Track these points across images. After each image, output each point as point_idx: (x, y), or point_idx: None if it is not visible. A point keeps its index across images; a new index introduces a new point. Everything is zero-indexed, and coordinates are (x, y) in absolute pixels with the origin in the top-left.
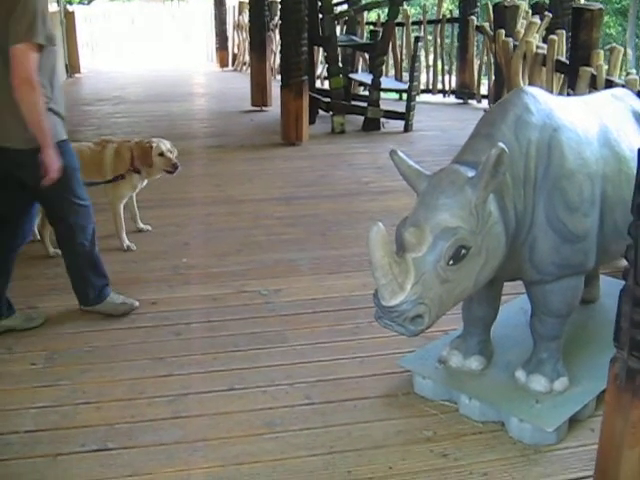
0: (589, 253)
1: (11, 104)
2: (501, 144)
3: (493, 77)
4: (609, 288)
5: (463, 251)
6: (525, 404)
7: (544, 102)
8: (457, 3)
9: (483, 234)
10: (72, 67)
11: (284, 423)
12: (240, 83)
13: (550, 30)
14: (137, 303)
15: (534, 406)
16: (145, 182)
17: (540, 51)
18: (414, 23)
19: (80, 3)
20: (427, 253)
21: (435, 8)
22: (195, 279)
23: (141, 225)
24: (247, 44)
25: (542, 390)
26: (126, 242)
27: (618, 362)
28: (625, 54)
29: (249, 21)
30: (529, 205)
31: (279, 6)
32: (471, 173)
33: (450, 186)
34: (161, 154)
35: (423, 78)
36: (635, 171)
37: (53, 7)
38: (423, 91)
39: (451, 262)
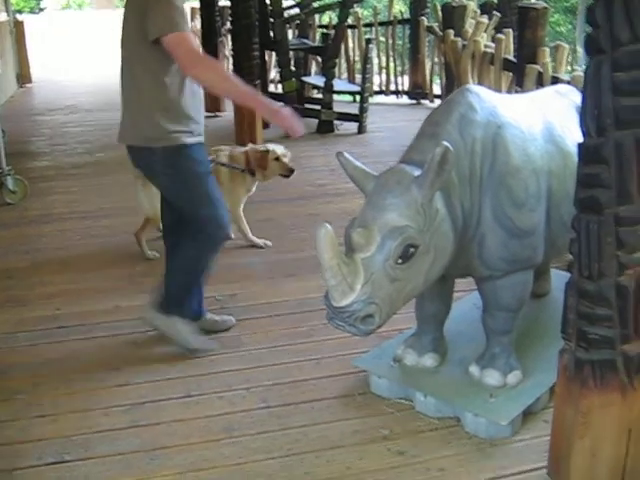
0: (537, 248)
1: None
2: (445, 142)
3: (445, 77)
4: (560, 281)
5: (411, 250)
6: (479, 399)
7: (488, 100)
8: (408, 4)
9: (431, 232)
10: (23, 77)
11: (242, 428)
12: None
13: (499, 29)
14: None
15: (488, 400)
16: (255, 186)
17: (488, 50)
18: (366, 25)
19: (31, 12)
20: (376, 253)
21: (386, 10)
22: (150, 287)
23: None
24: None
25: (496, 384)
26: (259, 241)
27: (566, 353)
28: (575, 51)
29: (201, 27)
30: (476, 202)
31: (230, 11)
32: (417, 172)
33: (396, 186)
34: (277, 159)
35: (376, 79)
36: None
37: (2, 17)
38: (376, 92)
39: (400, 261)
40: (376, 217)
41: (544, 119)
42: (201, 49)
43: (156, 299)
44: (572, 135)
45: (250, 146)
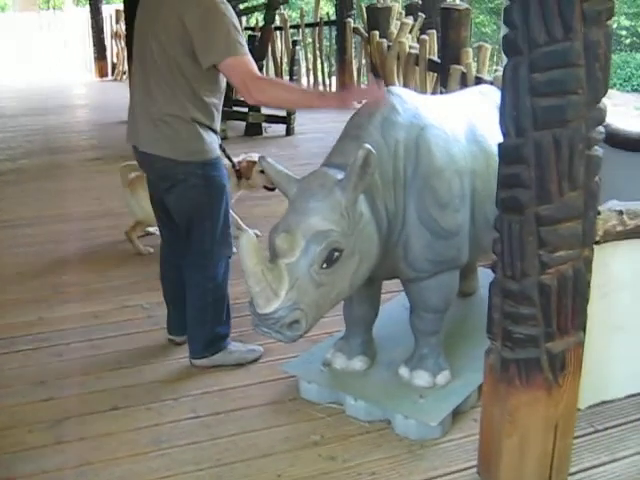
0: (462, 248)
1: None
2: (367, 145)
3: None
4: (488, 280)
5: (336, 254)
6: (409, 400)
7: (410, 102)
8: (334, 6)
9: (355, 235)
10: None
11: (170, 439)
12: (121, 93)
13: (424, 31)
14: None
15: (418, 402)
16: (239, 194)
17: (413, 51)
18: (292, 27)
19: None
20: (300, 258)
21: (313, 11)
22: (75, 297)
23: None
24: (126, 53)
25: (425, 385)
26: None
27: (492, 353)
28: (500, 52)
29: (126, 29)
30: (400, 204)
31: None
32: (340, 175)
33: (319, 189)
34: (262, 171)
35: (304, 81)
36: None
37: None
38: None
39: (324, 265)
40: (300, 221)
41: (467, 120)
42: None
43: (193, 348)
44: (494, 135)
45: (247, 154)
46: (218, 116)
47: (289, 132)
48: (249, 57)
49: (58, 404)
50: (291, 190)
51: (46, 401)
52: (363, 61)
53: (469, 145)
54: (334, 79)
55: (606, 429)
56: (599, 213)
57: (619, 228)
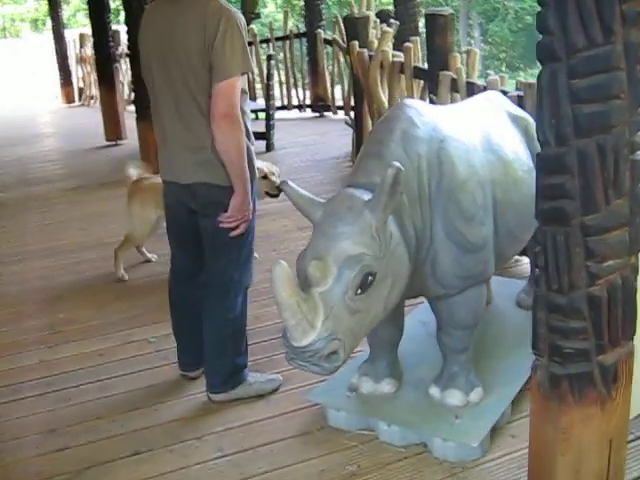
0: (489, 261)
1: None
2: (396, 163)
3: (347, 88)
4: (499, 288)
5: (370, 278)
6: (445, 422)
7: (427, 114)
8: (303, 18)
9: (387, 257)
10: None
11: None
12: (90, 118)
13: (398, 37)
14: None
15: (454, 422)
16: None
17: (396, 59)
18: (262, 41)
19: None
20: (333, 285)
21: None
22: (76, 335)
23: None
24: (92, 77)
25: (459, 404)
26: None
27: (539, 369)
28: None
29: (94, 53)
30: (427, 220)
31: (124, 35)
32: (367, 196)
33: (348, 212)
34: (264, 176)
35: (276, 93)
36: (520, 173)
37: None
38: (278, 108)
39: (359, 291)
40: (330, 247)
41: (481, 129)
42: None
43: (212, 382)
44: (508, 142)
45: None
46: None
47: (269, 148)
48: (239, 87)
49: (75, 453)
50: (316, 214)
51: (61, 451)
52: (335, 71)
53: (486, 154)
54: (307, 92)
55: None
56: None
57: None
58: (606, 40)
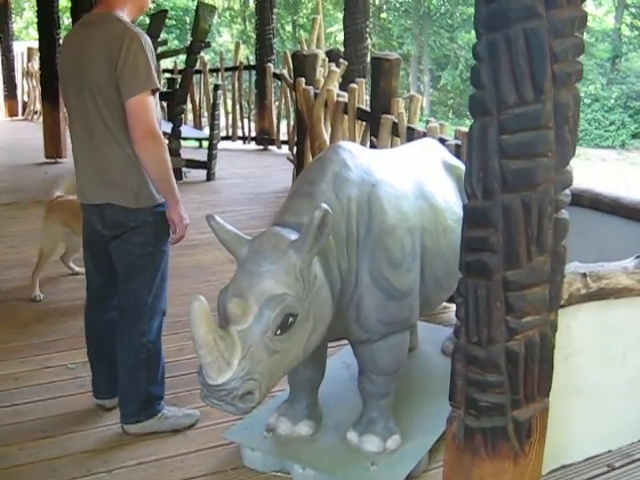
0: (414, 308)
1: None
2: (324, 205)
3: (292, 123)
4: (425, 334)
5: (291, 319)
6: (360, 468)
7: (360, 157)
8: (254, 50)
9: (310, 299)
10: None
11: None
12: (32, 133)
13: (346, 77)
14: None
15: (369, 469)
16: None
17: (341, 99)
18: (212, 70)
19: None
20: (253, 324)
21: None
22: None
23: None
24: (38, 92)
25: (376, 450)
26: None
27: (455, 421)
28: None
29: (40, 68)
30: (353, 264)
31: None
32: (294, 236)
33: (273, 251)
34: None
35: (222, 123)
36: (450, 222)
37: None
38: (223, 138)
39: (279, 332)
40: (252, 285)
41: (414, 175)
42: None
43: (125, 411)
44: (441, 190)
45: None
46: None
47: (210, 177)
48: (152, 102)
49: None
50: (241, 251)
51: None
52: (282, 106)
53: (417, 201)
54: (253, 124)
55: None
56: (564, 276)
57: (583, 291)
58: (536, 98)
